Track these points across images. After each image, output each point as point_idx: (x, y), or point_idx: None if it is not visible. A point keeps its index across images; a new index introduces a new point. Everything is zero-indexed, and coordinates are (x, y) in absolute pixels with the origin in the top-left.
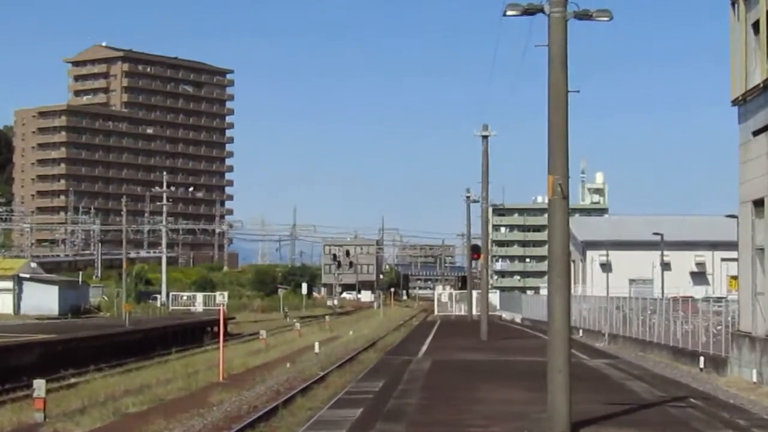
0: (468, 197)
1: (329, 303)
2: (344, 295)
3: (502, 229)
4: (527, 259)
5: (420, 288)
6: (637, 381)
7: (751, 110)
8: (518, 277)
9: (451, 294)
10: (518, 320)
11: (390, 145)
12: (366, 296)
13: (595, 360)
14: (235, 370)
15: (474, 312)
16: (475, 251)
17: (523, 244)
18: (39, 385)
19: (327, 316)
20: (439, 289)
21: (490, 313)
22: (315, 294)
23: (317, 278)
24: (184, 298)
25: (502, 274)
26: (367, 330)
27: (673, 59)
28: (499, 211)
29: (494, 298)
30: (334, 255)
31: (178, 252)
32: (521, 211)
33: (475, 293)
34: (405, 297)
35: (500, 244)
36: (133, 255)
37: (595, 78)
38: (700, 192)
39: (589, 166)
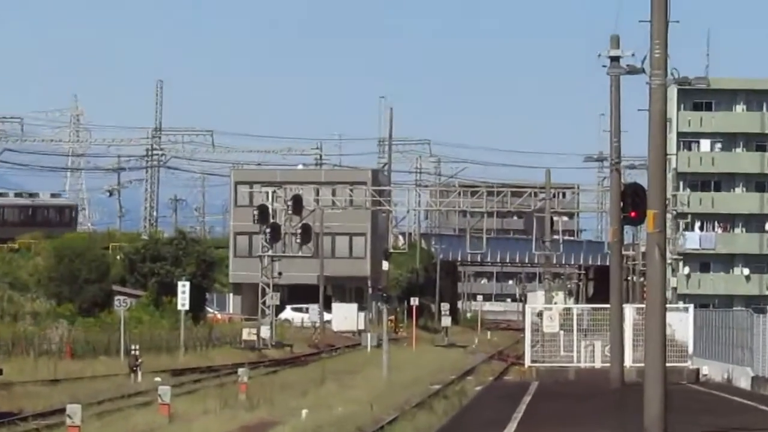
0: (613, 58)
1: (248, 335)
2: (287, 314)
3: (704, 144)
4: None
5: (487, 297)
6: None
7: None
8: (744, 270)
9: (568, 312)
10: (743, 383)
11: None
12: (345, 317)
13: None
14: None
15: (628, 361)
16: (631, 203)
17: (761, 184)
18: None
19: (242, 370)
20: (535, 297)
21: (672, 363)
22: (212, 312)
23: (218, 269)
24: None
25: (705, 263)
26: (347, 407)
27: None
28: (698, 99)
29: (680, 322)
30: (261, 207)
31: None
32: (751, 98)
33: (630, 311)
34: (446, 320)
35: (699, 183)
36: None
37: None
38: None
39: None
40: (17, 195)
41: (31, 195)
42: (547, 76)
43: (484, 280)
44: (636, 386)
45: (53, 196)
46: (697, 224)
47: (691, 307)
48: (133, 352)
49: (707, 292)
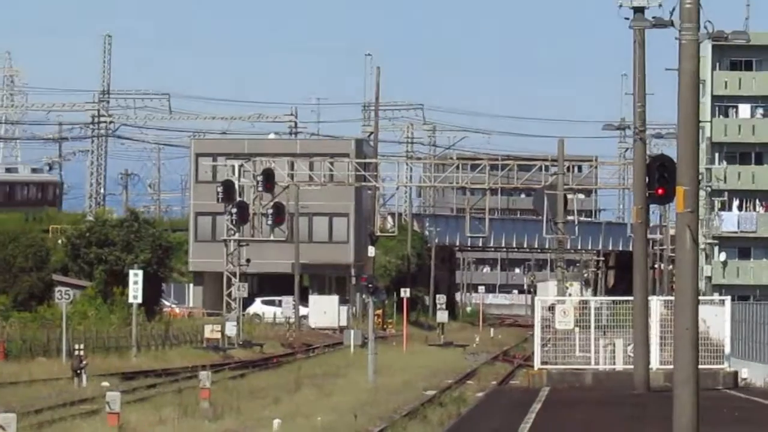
0: (637, 9)
1: (211, 332)
2: (257, 308)
3: (743, 110)
4: None
5: (490, 288)
6: None
7: None
8: None
9: (585, 305)
10: None
11: None
12: (324, 311)
13: None
14: None
15: (654, 363)
16: (658, 178)
17: None
18: None
19: (204, 373)
20: (546, 288)
21: (705, 365)
22: (169, 305)
23: (175, 255)
24: None
25: (744, 249)
26: (327, 416)
27: None
28: (735, 57)
29: (715, 317)
30: (226, 183)
31: None
32: None
33: (657, 304)
34: (443, 315)
35: (737, 155)
36: None
37: None
38: None
39: None
40: None
41: (8, 170)
42: (560, 29)
43: (486, 269)
44: (664, 392)
45: (34, 171)
46: (735, 203)
47: (728, 299)
48: (76, 353)
49: (747, 282)
